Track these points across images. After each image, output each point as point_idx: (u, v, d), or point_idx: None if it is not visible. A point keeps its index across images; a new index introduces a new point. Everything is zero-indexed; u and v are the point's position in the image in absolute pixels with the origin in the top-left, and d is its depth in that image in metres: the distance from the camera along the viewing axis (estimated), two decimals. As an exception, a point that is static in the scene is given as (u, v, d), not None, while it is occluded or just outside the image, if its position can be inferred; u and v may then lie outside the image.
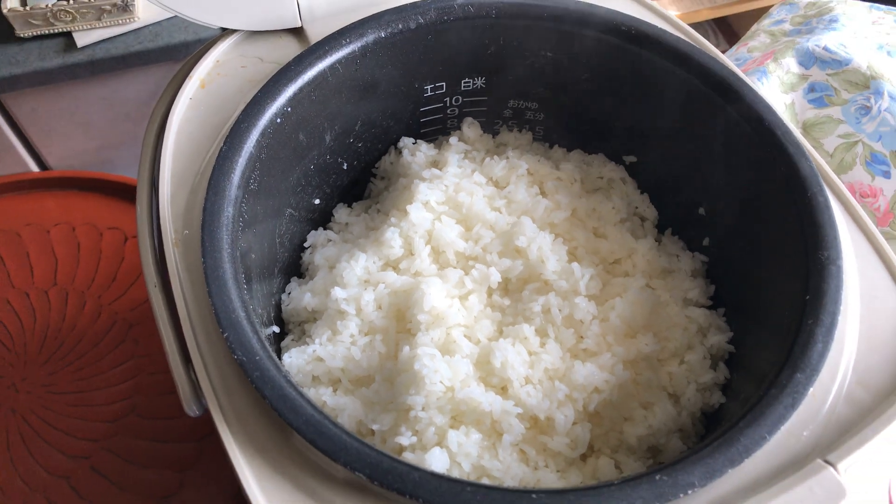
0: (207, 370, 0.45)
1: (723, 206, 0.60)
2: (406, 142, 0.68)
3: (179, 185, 0.53)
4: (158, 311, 0.48)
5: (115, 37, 0.86)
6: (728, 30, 1.90)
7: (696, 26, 1.81)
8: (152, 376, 0.80)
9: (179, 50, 0.88)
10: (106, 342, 0.82)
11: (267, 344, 0.48)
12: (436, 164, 0.67)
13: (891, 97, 0.67)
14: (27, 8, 0.84)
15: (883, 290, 0.49)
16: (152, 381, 0.80)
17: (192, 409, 0.45)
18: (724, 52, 1.90)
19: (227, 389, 0.44)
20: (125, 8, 0.84)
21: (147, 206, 0.52)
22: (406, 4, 0.59)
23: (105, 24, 0.85)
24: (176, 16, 0.60)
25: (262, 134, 0.53)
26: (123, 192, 0.93)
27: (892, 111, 0.67)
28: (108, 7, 0.83)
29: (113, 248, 0.90)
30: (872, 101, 0.68)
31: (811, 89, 0.72)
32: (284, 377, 0.42)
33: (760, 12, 1.70)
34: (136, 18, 0.87)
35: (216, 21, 0.58)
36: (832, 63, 0.71)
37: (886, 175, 0.67)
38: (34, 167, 1.05)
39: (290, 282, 0.63)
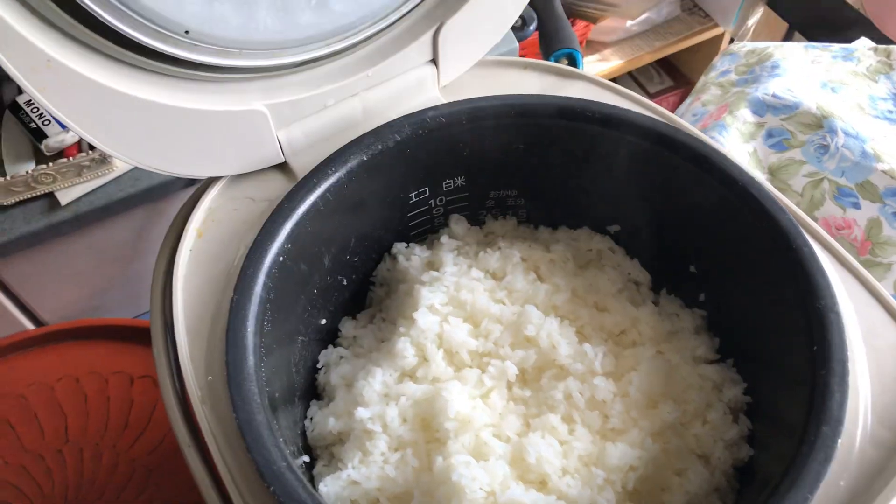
0: (257, 526, 0.45)
1: (712, 264, 0.63)
2: (399, 247, 0.70)
3: (195, 337, 0.54)
4: (196, 471, 0.49)
5: (96, 189, 0.88)
6: (669, 66, 1.99)
7: (642, 69, 1.89)
8: (181, 519, 0.79)
9: (161, 190, 0.91)
10: (128, 493, 0.81)
11: (308, 484, 0.49)
12: (432, 265, 0.69)
13: (845, 133, 0.71)
14: (8, 178, 0.86)
15: (881, 325, 0.52)
16: (182, 525, 0.79)
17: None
18: (668, 88, 1.97)
19: (280, 542, 0.44)
20: (103, 161, 0.86)
21: (167, 367, 0.53)
22: (381, 126, 0.62)
23: (86, 179, 0.87)
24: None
25: (268, 275, 0.54)
26: (122, 334, 0.94)
27: (849, 146, 0.71)
28: (86, 163, 0.85)
29: (120, 393, 0.90)
30: (828, 139, 0.72)
31: (769, 135, 0.76)
32: (336, 521, 0.43)
33: (699, 47, 1.78)
34: (114, 168, 0.89)
35: (204, 173, 0.60)
36: (783, 109, 0.76)
37: (856, 206, 0.71)
38: (29, 325, 1.05)
39: (309, 406, 0.64)
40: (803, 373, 0.49)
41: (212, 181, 0.63)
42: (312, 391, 0.66)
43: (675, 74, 1.97)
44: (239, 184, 0.63)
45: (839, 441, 0.44)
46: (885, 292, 0.52)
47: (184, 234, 0.59)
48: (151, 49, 0.51)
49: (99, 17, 0.47)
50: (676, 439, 0.57)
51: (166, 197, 0.94)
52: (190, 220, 0.60)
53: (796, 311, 0.51)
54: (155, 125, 0.54)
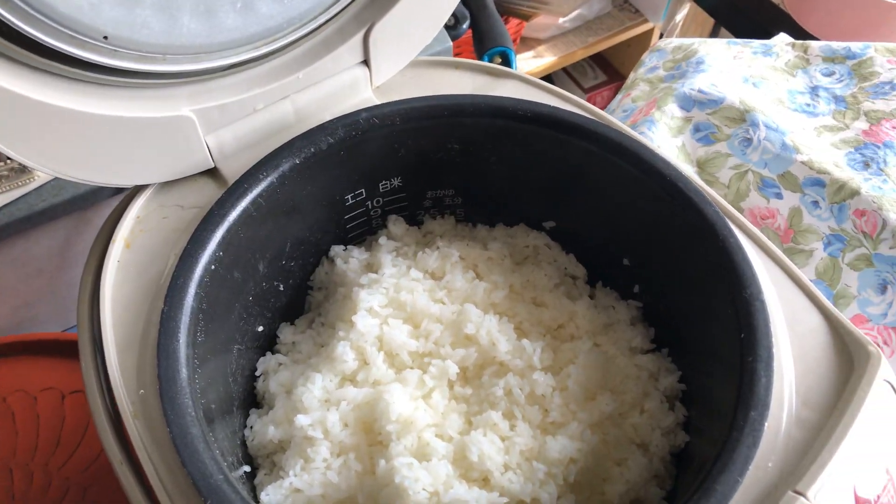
0: (196, 541, 0.44)
1: (643, 256, 0.65)
2: (336, 250, 0.70)
3: (125, 350, 0.52)
4: (130, 489, 0.47)
5: (16, 199, 0.85)
6: (602, 61, 2.02)
7: (576, 65, 1.92)
8: (120, 536, 0.77)
9: (87, 199, 0.87)
10: (63, 512, 0.78)
11: (247, 495, 0.48)
12: (370, 267, 0.69)
13: (766, 126, 0.74)
14: (-78, 193, 0.82)
15: (802, 311, 0.54)
16: (121, 542, 0.76)
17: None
18: (602, 83, 2.00)
19: (219, 556, 0.44)
20: (23, 170, 0.83)
21: (96, 382, 0.52)
22: (314, 128, 0.61)
23: (4, 189, 0.83)
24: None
25: (199, 285, 0.53)
26: (50, 350, 0.90)
27: (770, 139, 0.74)
28: (5, 172, 0.81)
29: (50, 410, 0.86)
30: (751, 132, 0.74)
31: (696, 129, 0.78)
32: (276, 531, 0.43)
33: (629, 43, 1.82)
34: (35, 178, 0.86)
35: (131, 182, 0.58)
36: (708, 103, 0.78)
37: (779, 196, 0.73)
38: (-51, 343, 0.99)
39: (249, 415, 0.63)
40: (733, 359, 0.50)
41: (139, 189, 0.61)
42: (251, 400, 0.65)
43: (608, 70, 2.00)
44: (168, 191, 0.62)
45: (766, 424, 0.46)
46: (806, 279, 0.54)
47: (111, 244, 0.57)
48: (69, 55, 0.49)
49: (9, 24, 0.45)
50: (615, 430, 0.58)
51: (93, 206, 0.90)
52: (117, 229, 0.58)
53: (724, 301, 0.53)
54: (76, 134, 0.52)
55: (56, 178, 0.89)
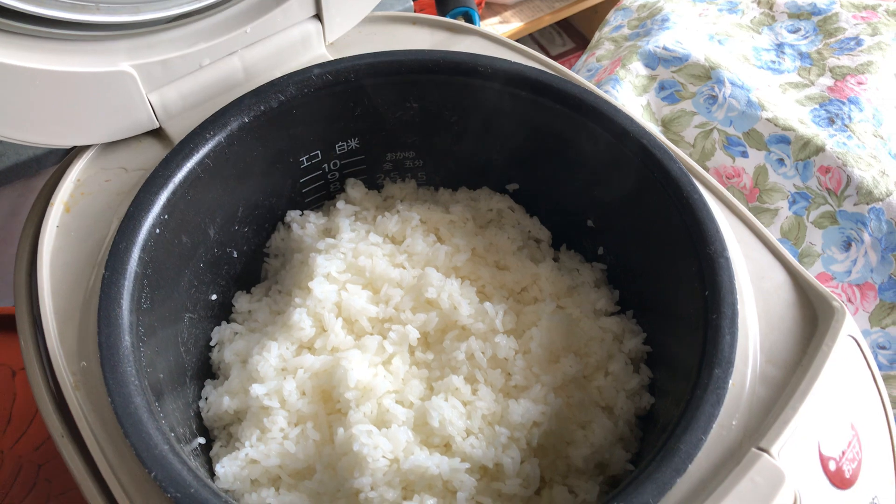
0: (141, 514, 0.42)
1: (608, 216, 0.63)
2: (293, 215, 0.67)
3: (66, 320, 0.50)
4: (71, 462, 0.45)
5: (-46, 167, 0.80)
6: (570, 28, 2.00)
7: (543, 31, 1.89)
8: (75, 514, 0.74)
9: (31, 166, 0.83)
10: (16, 492, 0.76)
11: (199, 468, 0.46)
12: (328, 232, 0.67)
13: (731, 84, 0.73)
14: None
15: (767, 268, 0.53)
16: (76, 520, 0.74)
17: (133, 559, 0.42)
18: (570, 50, 1.98)
19: (166, 530, 0.42)
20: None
21: (35, 352, 0.49)
22: (263, 85, 0.58)
23: (-60, 156, 0.79)
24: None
25: (144, 249, 0.50)
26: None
27: (736, 96, 0.72)
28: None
29: (1, 387, 0.83)
30: (717, 89, 0.73)
31: (661, 87, 0.77)
32: (225, 502, 0.41)
33: (596, 9, 1.79)
34: (-27, 143, 0.81)
35: (68, 142, 0.55)
36: (673, 61, 0.76)
37: (744, 154, 0.72)
38: None
39: (204, 386, 0.61)
40: (697, 318, 0.49)
41: (80, 151, 0.58)
42: (206, 370, 0.62)
43: (575, 37, 1.98)
44: (110, 153, 0.59)
45: (730, 382, 0.45)
46: (772, 237, 0.53)
47: (49, 208, 0.54)
48: (-8, 3, 0.46)
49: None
50: (579, 392, 0.57)
51: (38, 174, 0.86)
52: (55, 193, 0.55)
53: (688, 259, 0.51)
54: (7, 89, 0.49)
55: (-4, 145, 0.84)
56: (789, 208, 0.70)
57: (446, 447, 0.53)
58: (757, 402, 0.46)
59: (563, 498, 0.53)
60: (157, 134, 0.59)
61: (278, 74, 0.59)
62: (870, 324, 0.69)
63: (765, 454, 0.42)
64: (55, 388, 0.48)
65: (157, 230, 0.52)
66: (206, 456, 0.57)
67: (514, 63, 0.60)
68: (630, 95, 0.77)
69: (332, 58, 0.62)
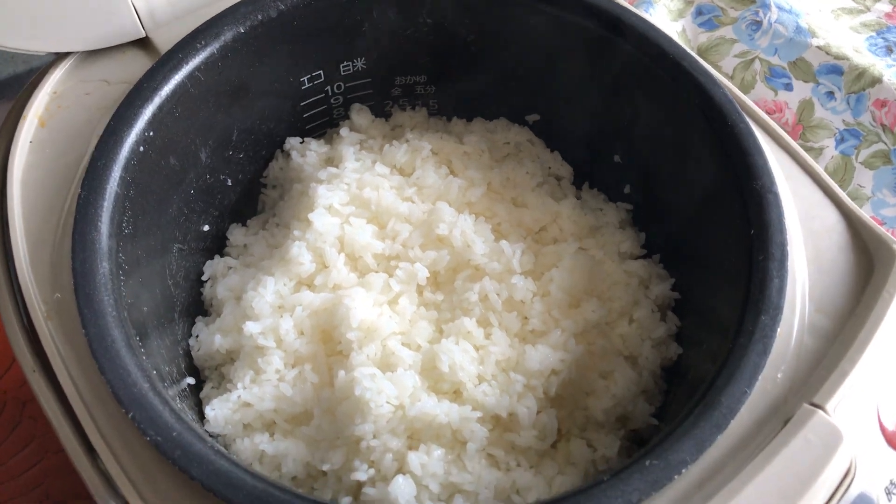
0: (118, 458, 0.38)
1: (638, 150, 0.58)
2: (292, 142, 0.62)
3: (38, 244, 0.45)
4: (44, 399, 0.41)
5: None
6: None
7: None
8: (60, 454, 0.71)
9: (11, 85, 0.77)
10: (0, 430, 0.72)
11: (184, 410, 0.42)
12: (330, 161, 0.61)
13: (779, 7, 0.66)
14: None
15: (819, 207, 0.48)
16: (62, 460, 0.71)
17: (110, 506, 0.38)
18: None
19: (146, 476, 0.38)
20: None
21: (5, 277, 0.44)
22: (261, -9, 0.52)
23: None
24: (-3, 47, 0.51)
25: (125, 168, 0.45)
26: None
27: (783, 21, 0.66)
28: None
29: (-16, 321, 0.79)
30: (761, 14, 0.66)
31: (699, 13, 0.70)
32: (212, 448, 0.36)
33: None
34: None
35: (45, 47, 0.49)
36: (714, -18, 0.70)
37: (788, 87, 0.66)
38: None
39: (195, 323, 0.56)
40: (738, 261, 0.44)
41: (57, 59, 0.52)
42: (197, 306, 0.58)
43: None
44: (91, 63, 0.53)
45: (777, 330, 0.40)
46: (823, 173, 0.48)
47: (21, 122, 0.49)
48: None
49: None
50: (601, 340, 0.52)
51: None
52: (28, 106, 0.50)
53: (731, 195, 0.46)
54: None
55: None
56: (836, 147, 0.65)
57: (456, 394, 0.49)
58: (805, 354, 0.42)
59: (580, 452, 0.49)
60: (144, 44, 0.54)
61: (278, -19, 0.53)
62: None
63: (819, 410, 0.37)
64: (26, 319, 0.43)
65: (141, 148, 0.47)
66: (196, 398, 0.53)
67: (541, -25, 0.54)
68: (664, 21, 0.71)
69: (338, -36, 0.56)
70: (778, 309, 0.40)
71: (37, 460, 0.71)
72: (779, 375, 0.41)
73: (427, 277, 0.53)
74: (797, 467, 0.35)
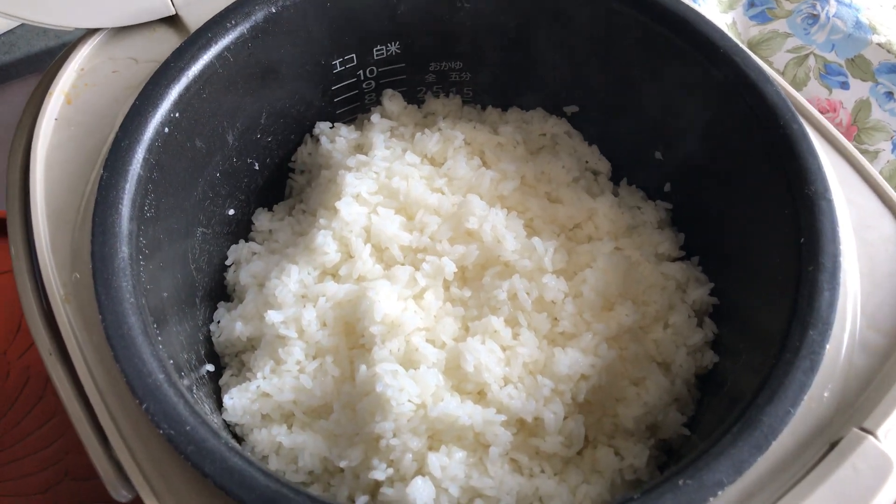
0: (130, 448, 0.37)
1: (681, 147, 0.55)
2: (322, 127, 0.60)
3: (59, 225, 0.44)
4: (60, 384, 0.40)
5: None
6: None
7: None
8: (82, 432, 0.71)
9: (43, 59, 0.77)
10: (21, 403, 0.72)
11: (200, 399, 0.40)
12: (360, 147, 0.60)
13: (837, 1, 0.63)
14: None
15: (875, 216, 0.45)
16: (83, 438, 0.71)
17: (120, 495, 0.37)
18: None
19: (158, 468, 0.37)
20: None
21: (25, 258, 0.43)
22: (295, -30, 0.50)
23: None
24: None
25: (149, 150, 0.44)
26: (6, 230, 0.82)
27: (842, 16, 0.62)
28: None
29: (8, 294, 0.79)
30: (818, 7, 0.63)
31: (751, 4, 0.67)
32: (226, 444, 0.35)
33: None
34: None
35: (74, 23, 0.48)
36: (768, -27, 0.66)
37: (844, 86, 0.63)
38: None
39: (217, 308, 0.55)
40: (785, 270, 0.42)
41: (86, 36, 0.51)
42: (220, 292, 0.57)
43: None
44: (120, 40, 0.52)
45: (826, 347, 0.37)
46: (882, 179, 0.45)
47: (47, 98, 0.48)
48: None
49: None
50: (634, 345, 0.50)
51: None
52: (55, 82, 0.49)
53: (781, 199, 0.43)
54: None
55: (5, 35, 0.78)
56: (892, 151, 0.61)
57: (480, 395, 0.47)
58: (855, 374, 0.39)
59: (607, 460, 0.47)
60: (173, 22, 0.52)
61: (312, -40, 0.51)
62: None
63: (869, 436, 0.35)
64: (45, 301, 0.42)
65: (167, 129, 0.45)
66: (215, 384, 0.52)
67: (587, -40, 0.52)
68: (714, 12, 0.67)
69: (375, -57, 0.54)
70: (827, 324, 0.38)
71: (58, 435, 0.71)
72: (825, 395, 0.38)
73: (454, 272, 0.51)
74: (843, 497, 0.33)
